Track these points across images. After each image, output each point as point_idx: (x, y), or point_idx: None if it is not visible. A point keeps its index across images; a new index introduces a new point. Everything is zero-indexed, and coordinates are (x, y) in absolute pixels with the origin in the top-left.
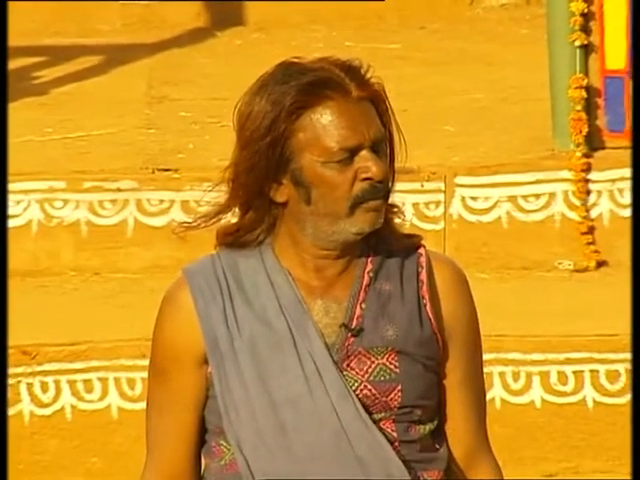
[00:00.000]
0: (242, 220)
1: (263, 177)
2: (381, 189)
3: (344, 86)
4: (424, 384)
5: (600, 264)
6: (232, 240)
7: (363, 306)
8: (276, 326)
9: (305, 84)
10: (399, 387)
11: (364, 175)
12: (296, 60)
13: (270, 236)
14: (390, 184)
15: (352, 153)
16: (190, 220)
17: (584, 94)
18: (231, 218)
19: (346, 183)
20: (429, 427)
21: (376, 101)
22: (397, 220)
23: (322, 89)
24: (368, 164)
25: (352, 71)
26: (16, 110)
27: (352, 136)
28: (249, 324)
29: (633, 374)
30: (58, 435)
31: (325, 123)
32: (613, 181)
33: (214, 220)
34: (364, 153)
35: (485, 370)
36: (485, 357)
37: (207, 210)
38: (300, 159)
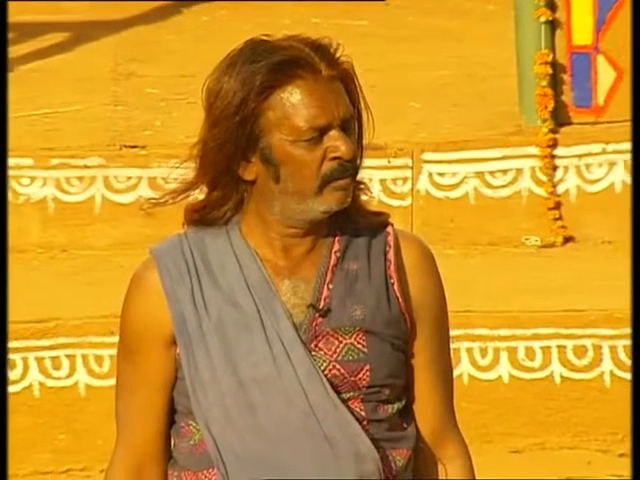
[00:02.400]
0: (209, 197)
1: (232, 155)
2: (349, 168)
3: (314, 65)
4: (392, 363)
5: (567, 240)
6: (199, 217)
7: (330, 286)
8: (244, 306)
9: (275, 63)
10: (367, 367)
11: (333, 154)
12: (265, 38)
13: (237, 214)
14: (358, 163)
15: (321, 132)
16: (158, 196)
17: (549, 70)
18: (199, 195)
19: (315, 162)
20: (397, 406)
21: (345, 80)
22: (364, 197)
23: (292, 68)
24: (337, 143)
25: (322, 50)
26: None
27: (321, 115)
28: (217, 305)
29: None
30: (26, 412)
31: (295, 102)
32: (580, 157)
33: (182, 196)
34: (333, 132)
35: (452, 346)
36: (452, 333)
37: (175, 186)
38: (269, 138)
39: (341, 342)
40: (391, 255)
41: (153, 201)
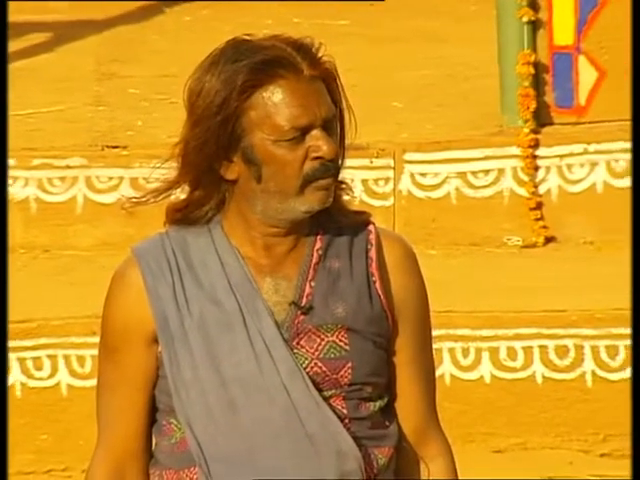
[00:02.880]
0: (191, 196)
1: (213, 154)
2: (331, 168)
3: (296, 65)
4: (374, 361)
5: (548, 240)
6: (181, 217)
7: (313, 284)
8: (226, 305)
9: (257, 63)
10: (349, 364)
11: (315, 154)
12: (247, 37)
13: (219, 213)
14: (340, 162)
15: (303, 132)
16: (139, 195)
17: (532, 70)
18: (180, 194)
19: (297, 161)
20: (379, 404)
21: (327, 79)
22: (345, 197)
23: (274, 68)
24: (319, 143)
25: (304, 49)
26: None
27: (303, 115)
28: (199, 303)
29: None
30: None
31: (277, 102)
32: (561, 157)
33: (163, 195)
34: (315, 132)
35: (434, 346)
36: (434, 333)
37: (156, 186)
38: (251, 137)
39: (323, 340)
40: (373, 253)
41: (135, 200)
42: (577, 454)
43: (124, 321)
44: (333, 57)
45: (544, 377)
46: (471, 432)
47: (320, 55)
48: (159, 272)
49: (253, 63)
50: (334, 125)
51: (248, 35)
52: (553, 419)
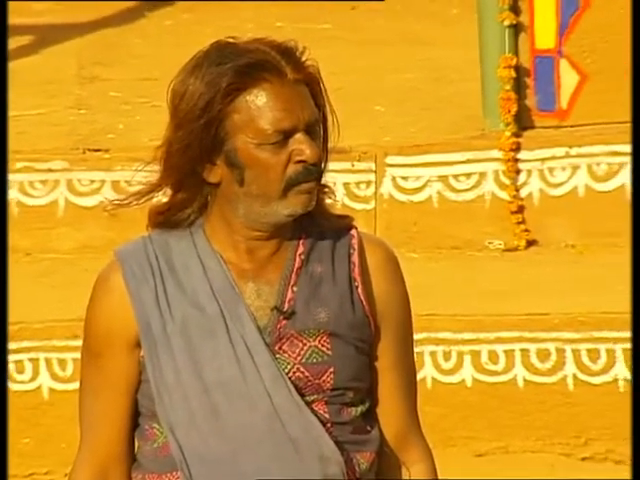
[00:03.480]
0: (173, 199)
1: (196, 157)
2: (314, 171)
3: (280, 68)
4: (356, 366)
5: (530, 243)
6: (163, 219)
7: (295, 289)
8: (208, 310)
9: (241, 66)
10: (331, 369)
11: (298, 158)
12: (231, 40)
13: (202, 217)
14: (323, 166)
15: (286, 135)
16: (121, 198)
17: (513, 73)
18: (163, 197)
19: (280, 165)
20: (361, 409)
21: (311, 83)
22: (328, 200)
23: (258, 71)
24: (302, 147)
25: (288, 53)
26: None
27: (287, 118)
28: (181, 308)
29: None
30: None
31: (260, 105)
32: (543, 160)
33: (146, 198)
34: (298, 136)
35: (416, 350)
36: (416, 336)
37: (139, 188)
38: (234, 140)
39: (305, 345)
40: (355, 258)
41: (117, 203)
42: (558, 457)
43: (107, 325)
44: (316, 61)
45: (525, 380)
46: (452, 436)
47: (304, 59)
48: (142, 276)
49: (237, 66)
50: (317, 129)
51: (232, 38)
52: (534, 422)
